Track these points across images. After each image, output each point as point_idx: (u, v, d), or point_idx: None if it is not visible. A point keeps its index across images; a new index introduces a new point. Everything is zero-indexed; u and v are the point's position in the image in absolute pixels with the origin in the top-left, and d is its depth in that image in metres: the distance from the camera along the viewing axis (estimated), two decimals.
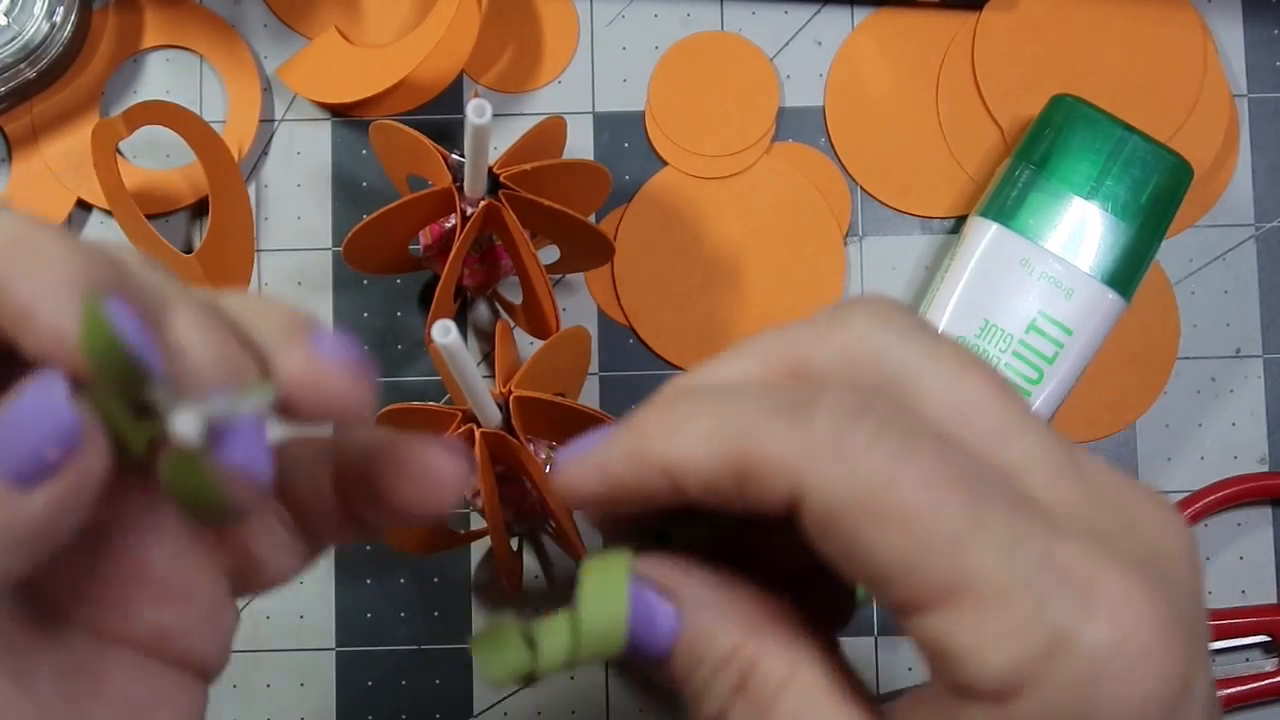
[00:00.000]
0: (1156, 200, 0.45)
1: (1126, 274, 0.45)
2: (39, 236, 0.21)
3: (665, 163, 0.49)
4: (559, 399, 0.41)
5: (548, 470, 0.43)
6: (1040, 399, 0.44)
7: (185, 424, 0.21)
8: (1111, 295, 0.44)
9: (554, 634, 0.27)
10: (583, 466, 0.25)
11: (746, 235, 0.49)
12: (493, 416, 0.40)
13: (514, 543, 0.46)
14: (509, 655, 0.28)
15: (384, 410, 0.43)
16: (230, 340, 0.22)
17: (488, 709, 0.47)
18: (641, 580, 0.25)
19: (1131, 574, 0.22)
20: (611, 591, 0.26)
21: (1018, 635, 0.22)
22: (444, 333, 0.34)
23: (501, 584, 0.43)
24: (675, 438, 0.24)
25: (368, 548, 0.47)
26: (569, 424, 0.42)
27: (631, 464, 0.24)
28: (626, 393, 0.48)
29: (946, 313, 0.45)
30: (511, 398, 0.40)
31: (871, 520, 0.22)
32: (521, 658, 0.28)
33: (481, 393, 0.38)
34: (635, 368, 0.48)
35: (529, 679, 0.28)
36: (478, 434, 0.40)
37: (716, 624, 0.24)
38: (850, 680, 0.25)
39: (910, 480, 0.22)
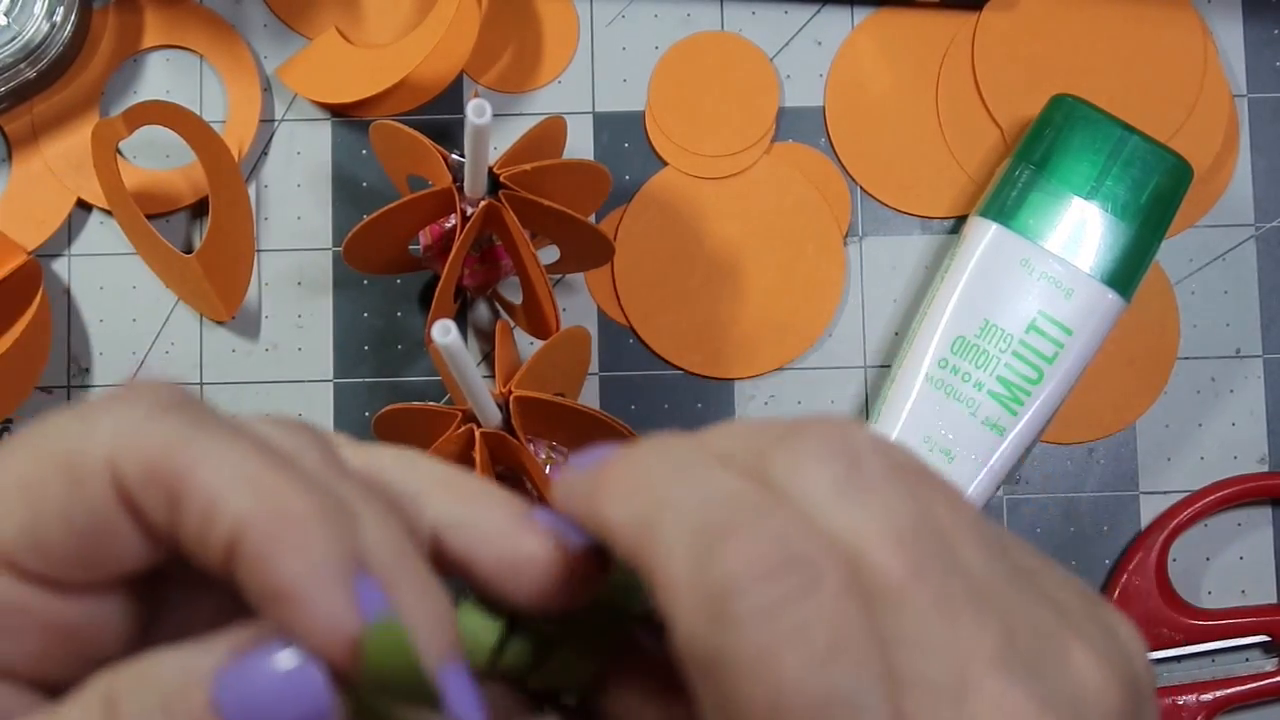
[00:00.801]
0: (1156, 200, 0.45)
1: (1126, 274, 0.45)
2: (295, 496, 0.20)
3: (665, 163, 0.49)
4: (559, 399, 0.41)
5: (547, 470, 0.43)
6: (1040, 399, 0.44)
7: None
8: (1111, 295, 0.44)
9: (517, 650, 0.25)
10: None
11: (747, 235, 0.49)
12: (493, 417, 0.40)
13: None
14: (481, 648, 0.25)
15: (384, 410, 0.43)
16: (448, 612, 0.21)
17: None
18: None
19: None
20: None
21: None
22: (444, 333, 0.34)
23: None
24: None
25: None
26: (569, 424, 0.42)
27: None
28: (627, 393, 0.48)
29: (946, 313, 0.45)
30: (511, 398, 0.40)
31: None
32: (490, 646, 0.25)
33: (481, 393, 0.38)
34: (636, 368, 0.48)
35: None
36: (478, 434, 0.40)
37: None
38: None
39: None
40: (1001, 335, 0.44)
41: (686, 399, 0.48)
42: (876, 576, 0.21)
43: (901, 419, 0.45)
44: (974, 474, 0.45)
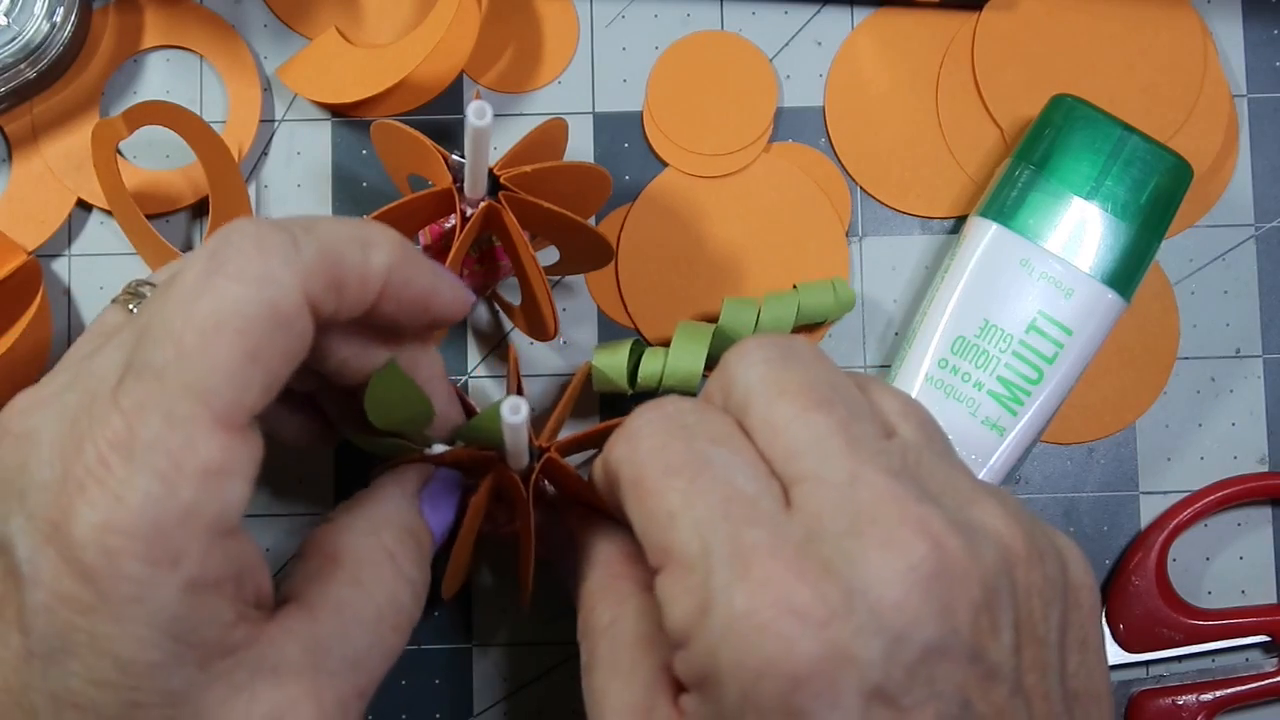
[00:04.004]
0: (1156, 200, 0.45)
1: (1126, 274, 0.45)
2: (401, 243, 0.35)
3: (665, 163, 0.49)
4: (583, 477, 0.41)
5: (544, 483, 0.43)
6: (1040, 399, 0.44)
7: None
8: (1111, 295, 0.44)
9: (651, 361, 0.45)
10: None
11: (750, 233, 0.49)
12: (520, 463, 0.39)
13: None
14: (617, 367, 0.45)
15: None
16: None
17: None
18: None
19: (791, 563, 0.27)
20: (697, 339, 0.44)
21: (688, 595, 0.28)
22: (514, 411, 0.34)
23: (446, 584, 0.43)
24: None
25: None
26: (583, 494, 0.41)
27: None
28: (626, 398, 0.48)
29: (946, 313, 0.45)
30: (545, 458, 0.40)
31: (628, 494, 0.30)
32: (624, 372, 0.45)
33: (523, 447, 0.38)
34: None
35: (628, 391, 0.46)
36: (498, 470, 0.40)
37: None
38: None
39: (654, 467, 0.30)
40: (1001, 335, 0.44)
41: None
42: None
43: None
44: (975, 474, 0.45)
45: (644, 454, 0.30)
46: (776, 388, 0.30)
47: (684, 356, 0.44)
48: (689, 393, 0.43)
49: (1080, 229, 0.44)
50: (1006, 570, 0.28)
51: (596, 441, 0.42)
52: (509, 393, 0.46)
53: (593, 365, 0.46)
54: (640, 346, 0.47)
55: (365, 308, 0.33)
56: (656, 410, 0.32)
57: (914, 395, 0.45)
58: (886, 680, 0.26)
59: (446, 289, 0.35)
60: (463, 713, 0.47)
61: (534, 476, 0.40)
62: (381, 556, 0.34)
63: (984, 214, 0.46)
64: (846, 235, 0.49)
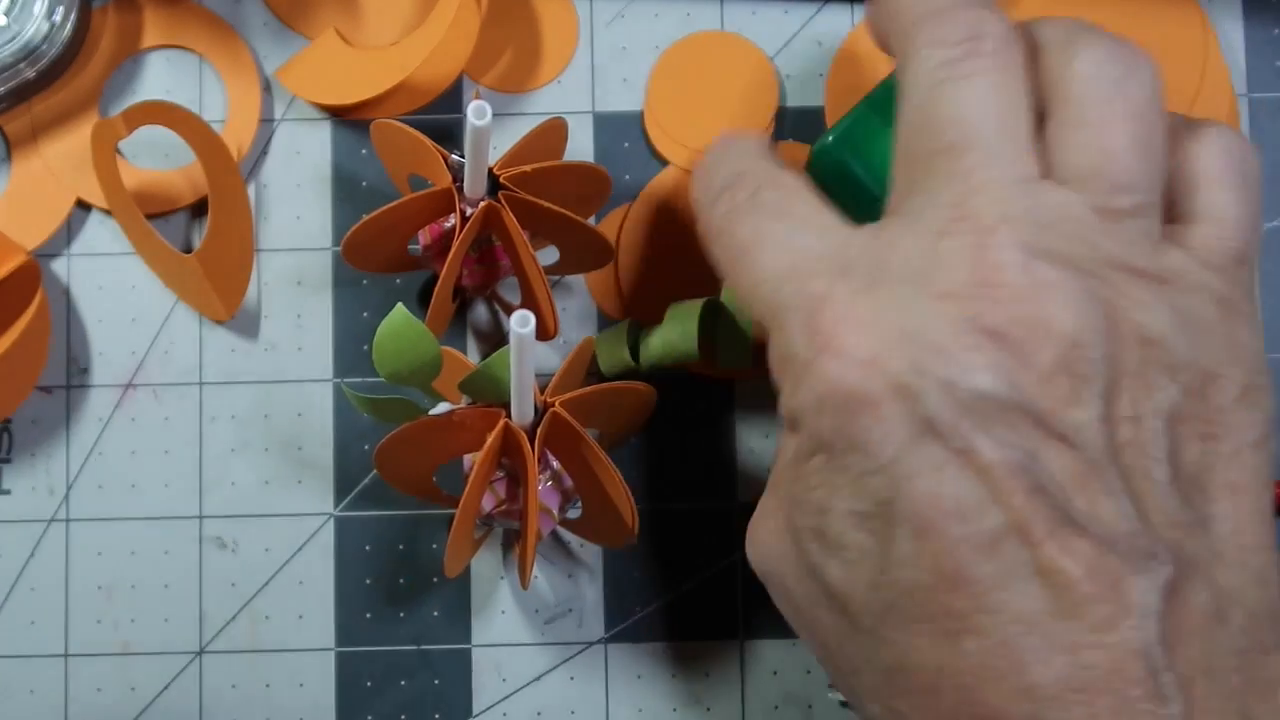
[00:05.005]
0: None
1: None
2: None
3: (665, 161, 0.49)
4: (587, 434, 0.41)
5: (540, 487, 0.43)
6: None
7: None
8: None
9: (650, 341, 0.45)
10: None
11: None
12: (526, 416, 0.40)
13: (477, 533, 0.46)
14: (618, 350, 0.45)
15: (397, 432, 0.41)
16: None
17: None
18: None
19: (847, 305, 0.30)
20: (688, 317, 0.43)
21: (774, 348, 0.31)
22: (523, 323, 0.36)
23: (449, 565, 0.43)
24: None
25: (367, 547, 0.47)
26: (584, 461, 0.41)
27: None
28: None
29: None
30: (550, 410, 0.40)
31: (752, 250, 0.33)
32: (625, 354, 0.45)
33: (529, 390, 0.39)
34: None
35: (632, 373, 0.45)
36: (502, 423, 0.40)
37: None
38: None
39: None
40: None
41: (684, 403, 0.48)
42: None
43: None
44: None
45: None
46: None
47: (676, 330, 0.45)
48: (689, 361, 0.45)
49: None
50: (1103, 343, 0.28)
51: (600, 400, 0.41)
52: None
53: (597, 345, 0.46)
54: (637, 326, 0.47)
55: None
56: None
57: None
58: (937, 417, 0.28)
59: None
60: (463, 713, 0.47)
61: (540, 432, 0.40)
62: None
63: None
64: None
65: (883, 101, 0.43)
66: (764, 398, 0.49)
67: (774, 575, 0.33)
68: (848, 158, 0.43)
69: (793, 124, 0.50)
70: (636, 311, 0.48)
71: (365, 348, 0.48)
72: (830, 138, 0.43)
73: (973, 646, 0.27)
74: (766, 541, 0.33)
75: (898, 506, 0.28)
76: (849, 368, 0.28)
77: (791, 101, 0.50)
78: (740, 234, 0.33)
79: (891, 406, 0.28)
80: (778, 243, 0.32)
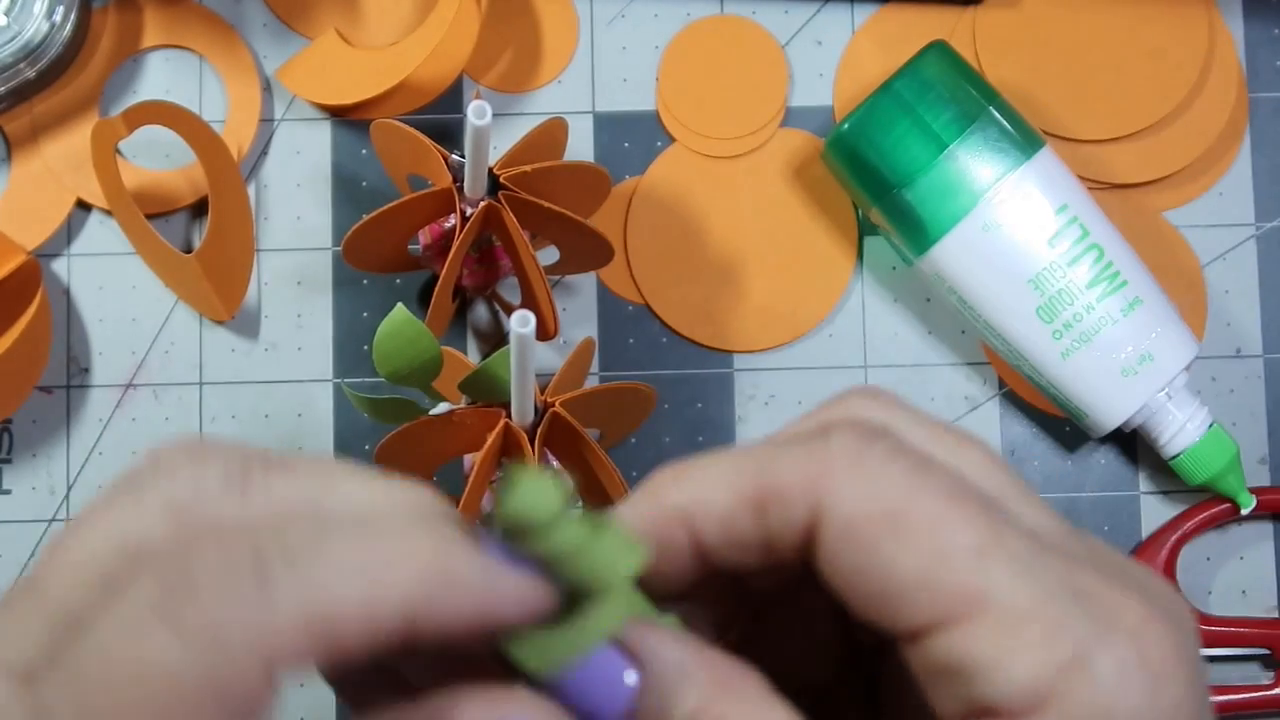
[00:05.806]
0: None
1: (1024, 134, 0.45)
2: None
3: (673, 138, 0.49)
4: (584, 432, 0.41)
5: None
6: (1117, 246, 0.45)
7: None
8: (1032, 152, 0.45)
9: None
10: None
11: (760, 210, 0.49)
12: (526, 416, 0.40)
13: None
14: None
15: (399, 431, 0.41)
16: None
17: None
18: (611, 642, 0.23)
19: (1147, 603, 0.22)
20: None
21: (1041, 650, 0.22)
22: (523, 323, 0.35)
23: None
24: (690, 484, 0.24)
25: None
26: (583, 458, 0.41)
27: (649, 518, 0.24)
28: None
29: (1000, 312, 0.45)
30: (551, 410, 0.40)
31: (892, 531, 0.22)
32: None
33: (530, 391, 0.39)
34: (635, 368, 0.48)
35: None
36: (502, 423, 0.40)
37: (680, 683, 0.23)
38: None
39: (931, 492, 0.22)
40: (1050, 270, 0.44)
41: (686, 399, 0.48)
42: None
43: (1095, 388, 0.45)
44: (1183, 338, 0.45)
45: (901, 481, 0.23)
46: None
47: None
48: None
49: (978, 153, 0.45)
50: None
51: (600, 400, 0.41)
52: None
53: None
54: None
55: (376, 651, 0.24)
56: (855, 431, 0.24)
57: (1071, 372, 0.45)
58: None
59: (508, 589, 0.23)
60: None
61: (540, 431, 0.40)
62: None
63: (922, 251, 0.46)
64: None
65: (896, 91, 0.44)
66: (764, 397, 0.49)
67: None
68: (862, 145, 0.45)
69: (798, 123, 0.49)
70: (646, 287, 0.48)
71: (365, 348, 0.48)
72: (845, 125, 0.45)
73: None
74: None
75: None
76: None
77: (797, 101, 0.50)
78: None
79: None
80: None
